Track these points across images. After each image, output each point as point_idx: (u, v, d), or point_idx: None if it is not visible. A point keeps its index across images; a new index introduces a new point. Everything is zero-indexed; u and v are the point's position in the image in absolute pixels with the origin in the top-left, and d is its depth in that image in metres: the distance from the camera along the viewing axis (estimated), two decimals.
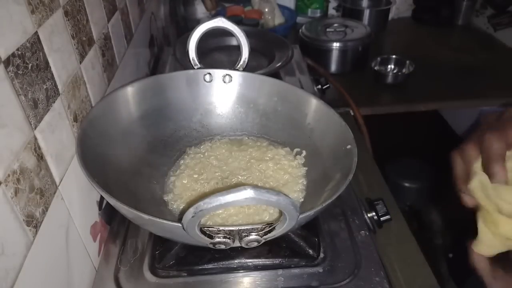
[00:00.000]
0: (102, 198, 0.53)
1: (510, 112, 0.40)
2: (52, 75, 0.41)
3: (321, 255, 0.50)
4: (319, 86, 0.91)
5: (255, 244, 0.38)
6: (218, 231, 0.37)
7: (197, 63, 0.59)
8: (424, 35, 1.48)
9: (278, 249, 0.49)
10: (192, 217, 0.32)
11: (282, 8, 1.38)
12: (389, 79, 1.15)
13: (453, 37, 1.49)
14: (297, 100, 0.58)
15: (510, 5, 1.38)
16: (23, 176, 0.35)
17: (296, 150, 0.58)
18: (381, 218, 0.56)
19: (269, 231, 0.37)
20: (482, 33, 1.48)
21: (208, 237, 0.36)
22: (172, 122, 0.60)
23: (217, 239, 0.37)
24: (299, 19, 1.46)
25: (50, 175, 0.40)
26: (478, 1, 1.51)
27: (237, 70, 0.60)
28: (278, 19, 1.33)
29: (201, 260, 0.48)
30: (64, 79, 0.44)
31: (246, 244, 0.38)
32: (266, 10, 1.30)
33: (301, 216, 0.35)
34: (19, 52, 0.35)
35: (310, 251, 0.50)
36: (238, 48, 0.59)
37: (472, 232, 0.40)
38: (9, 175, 0.33)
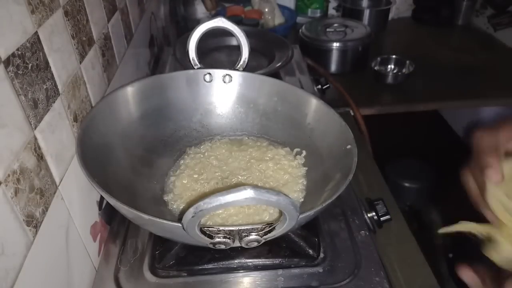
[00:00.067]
0: (102, 198, 0.53)
1: (498, 123, 0.40)
2: (52, 75, 0.41)
3: (321, 255, 0.50)
4: (319, 86, 0.91)
5: (255, 244, 0.38)
6: (218, 231, 0.37)
7: (197, 63, 0.59)
8: (424, 35, 1.48)
9: (278, 249, 0.49)
10: (192, 217, 0.32)
11: (282, 8, 1.38)
12: (389, 79, 1.15)
13: (453, 37, 1.49)
14: (297, 100, 0.58)
15: (510, 5, 1.38)
16: (23, 176, 0.35)
17: (296, 150, 0.58)
18: (381, 218, 0.56)
19: (269, 231, 0.37)
20: (482, 33, 1.48)
21: (208, 237, 0.36)
22: (172, 122, 0.60)
23: (217, 239, 0.37)
24: (299, 19, 1.46)
25: (50, 175, 0.40)
26: (478, 1, 1.51)
27: (237, 70, 0.60)
28: (278, 19, 1.33)
29: (201, 260, 0.48)
30: (64, 79, 0.44)
31: (246, 244, 0.38)
32: (266, 10, 1.30)
33: (301, 216, 0.35)
34: (19, 52, 0.35)
35: (310, 251, 0.50)
36: (238, 48, 0.59)
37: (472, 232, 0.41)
38: (9, 175, 0.33)
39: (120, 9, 0.69)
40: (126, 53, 0.71)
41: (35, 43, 0.38)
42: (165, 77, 0.59)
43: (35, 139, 0.37)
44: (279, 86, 0.60)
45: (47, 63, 0.40)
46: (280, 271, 0.48)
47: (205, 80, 0.60)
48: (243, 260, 0.49)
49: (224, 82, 0.60)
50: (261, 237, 0.37)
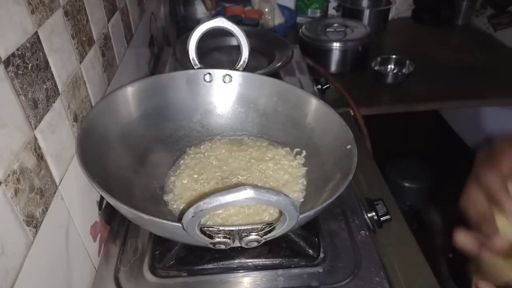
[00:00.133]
0: (102, 198, 0.53)
1: (499, 145, 0.40)
2: (52, 75, 0.41)
3: (321, 255, 0.50)
4: (319, 86, 0.91)
5: (255, 244, 0.38)
6: (218, 231, 0.37)
7: (197, 63, 0.59)
8: (424, 35, 1.48)
9: (278, 249, 0.49)
10: (192, 217, 0.32)
11: (282, 8, 1.38)
12: (389, 79, 1.15)
13: (453, 37, 1.49)
14: (297, 100, 0.58)
15: (510, 5, 1.38)
16: (23, 176, 0.35)
17: (296, 150, 0.58)
18: (381, 218, 0.56)
19: (269, 231, 0.37)
20: (482, 33, 1.48)
21: (208, 237, 0.36)
22: (172, 122, 0.60)
23: (217, 239, 0.37)
24: (299, 19, 1.46)
25: (50, 175, 0.40)
26: (478, 1, 1.51)
27: (237, 70, 0.60)
28: (278, 19, 1.33)
29: (201, 260, 0.48)
30: (64, 79, 0.44)
31: (246, 244, 0.38)
32: (266, 10, 1.30)
33: (301, 216, 0.35)
34: (19, 52, 0.35)
35: (310, 251, 0.50)
36: (238, 48, 0.59)
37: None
38: (9, 175, 0.33)
39: (120, 9, 0.69)
40: (126, 53, 0.71)
41: (35, 43, 0.38)
42: (165, 77, 0.59)
43: (35, 139, 0.37)
44: (279, 86, 0.60)
45: (47, 63, 0.40)
46: (280, 271, 0.48)
47: (205, 80, 0.60)
48: (243, 260, 0.49)
49: (224, 82, 0.60)
50: (261, 237, 0.37)
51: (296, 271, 0.48)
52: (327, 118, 0.55)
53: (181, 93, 0.60)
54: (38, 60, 0.38)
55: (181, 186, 0.53)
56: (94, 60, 0.54)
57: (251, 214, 0.49)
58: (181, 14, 1.32)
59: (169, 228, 0.38)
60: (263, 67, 0.82)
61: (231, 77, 0.60)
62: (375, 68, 1.17)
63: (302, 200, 0.52)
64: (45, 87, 0.39)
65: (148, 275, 0.48)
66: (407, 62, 1.17)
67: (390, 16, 1.51)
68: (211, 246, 0.38)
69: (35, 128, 0.37)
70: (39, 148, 0.38)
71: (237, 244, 0.38)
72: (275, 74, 0.78)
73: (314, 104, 0.57)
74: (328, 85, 0.92)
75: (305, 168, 0.56)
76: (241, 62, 0.60)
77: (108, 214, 0.55)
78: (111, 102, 0.53)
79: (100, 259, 0.51)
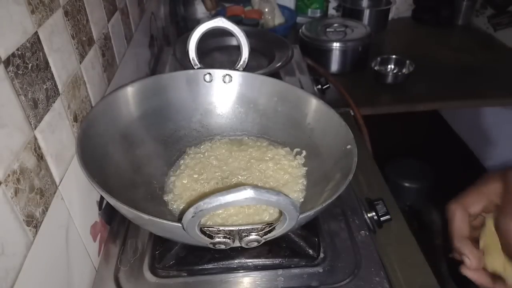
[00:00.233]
0: (102, 198, 0.53)
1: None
2: (52, 75, 0.41)
3: (321, 255, 0.50)
4: (319, 86, 0.91)
5: (255, 244, 0.38)
6: (218, 231, 0.37)
7: (197, 63, 0.59)
8: (424, 35, 1.48)
9: (278, 249, 0.49)
10: (192, 217, 0.32)
11: (282, 8, 1.38)
12: (389, 79, 1.15)
13: (453, 37, 1.49)
14: (297, 100, 0.58)
15: (510, 5, 1.38)
16: (23, 176, 0.35)
17: (296, 150, 0.58)
18: (381, 218, 0.56)
19: (269, 231, 0.37)
20: (482, 33, 1.49)
21: (208, 237, 0.36)
22: (172, 122, 0.60)
23: (217, 239, 0.37)
24: (299, 19, 1.46)
25: (50, 175, 0.40)
26: (478, 1, 1.51)
27: (237, 70, 0.60)
28: (278, 19, 1.33)
29: (201, 260, 0.48)
30: (64, 79, 0.44)
31: (246, 244, 0.38)
32: (266, 10, 1.30)
33: (301, 216, 0.35)
34: (19, 52, 0.35)
35: (310, 251, 0.50)
36: (238, 48, 0.59)
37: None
38: (9, 175, 0.33)
39: (120, 9, 0.69)
40: (126, 53, 0.71)
41: (35, 43, 0.38)
42: (165, 77, 0.59)
43: (35, 139, 0.37)
44: (279, 86, 0.60)
45: (47, 63, 0.40)
46: (280, 271, 0.48)
47: (205, 80, 0.60)
48: (243, 260, 0.49)
49: (224, 82, 0.60)
50: (261, 237, 0.37)
51: (296, 271, 0.48)
52: (327, 118, 0.55)
53: (181, 93, 0.60)
54: (38, 60, 0.38)
55: (181, 186, 0.53)
56: (94, 60, 0.54)
57: (251, 214, 0.49)
58: (181, 14, 1.32)
59: (169, 228, 0.38)
60: (263, 67, 0.82)
61: (231, 77, 0.60)
62: (375, 68, 1.17)
63: (302, 200, 0.52)
64: (45, 87, 0.39)
65: (148, 275, 0.48)
66: (407, 62, 1.17)
67: (390, 16, 1.51)
68: (211, 246, 0.38)
69: (35, 128, 0.37)
70: (39, 148, 0.38)
71: (237, 244, 0.38)
72: (275, 74, 0.78)
73: (314, 104, 0.57)
74: (328, 85, 0.92)
75: (305, 168, 0.56)
76: (241, 62, 0.60)
77: (108, 214, 0.55)
78: (111, 102, 0.53)
79: (100, 259, 0.51)
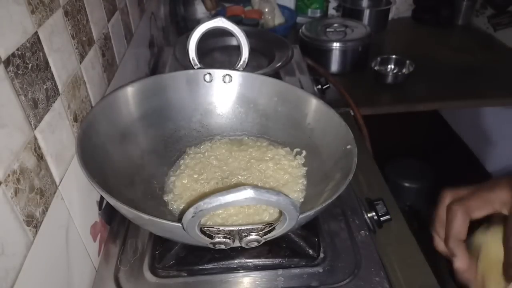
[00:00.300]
0: (102, 198, 0.53)
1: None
2: (52, 75, 0.41)
3: (321, 255, 0.50)
4: (319, 86, 0.91)
5: (255, 244, 0.38)
6: (218, 231, 0.37)
7: (197, 63, 0.59)
8: (424, 35, 1.48)
9: (278, 249, 0.49)
10: (192, 217, 0.32)
11: (282, 8, 1.38)
12: (389, 79, 1.15)
13: (453, 37, 1.49)
14: (297, 100, 0.58)
15: (510, 5, 1.38)
16: (23, 176, 0.35)
17: (296, 150, 0.58)
18: (381, 218, 0.56)
19: (269, 231, 0.37)
20: (482, 33, 1.49)
21: (208, 237, 0.36)
22: (172, 122, 0.60)
23: (217, 239, 0.37)
24: (299, 19, 1.46)
25: (50, 175, 0.40)
26: (478, 1, 1.51)
27: (237, 70, 0.60)
28: (278, 19, 1.33)
29: (201, 260, 0.48)
30: (64, 79, 0.44)
31: (246, 244, 0.38)
32: (266, 10, 1.30)
33: (301, 216, 0.35)
34: (19, 52, 0.35)
35: (310, 251, 0.50)
36: (238, 48, 0.59)
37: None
38: (9, 175, 0.33)
39: (120, 9, 0.69)
40: (126, 53, 0.71)
41: (35, 43, 0.38)
42: (165, 77, 0.59)
43: (35, 139, 0.37)
44: (279, 86, 0.60)
45: (47, 63, 0.40)
46: (280, 271, 0.48)
47: (205, 80, 0.60)
48: (243, 260, 0.49)
49: (224, 82, 0.60)
50: (261, 237, 0.37)
51: (296, 271, 0.48)
52: (327, 118, 0.55)
53: (181, 93, 0.60)
54: (38, 60, 0.38)
55: (181, 186, 0.53)
56: (94, 60, 0.54)
57: (251, 214, 0.49)
58: (181, 14, 1.32)
59: (169, 228, 0.38)
60: (263, 67, 0.82)
61: (231, 77, 0.60)
62: (375, 68, 1.17)
63: (302, 200, 0.52)
64: (45, 87, 0.39)
65: (148, 275, 0.48)
66: (407, 62, 1.17)
67: (390, 16, 1.51)
68: (211, 246, 0.38)
69: (35, 128, 0.37)
70: (39, 148, 0.38)
71: (237, 244, 0.38)
72: (275, 74, 0.78)
73: (314, 104, 0.57)
74: (328, 85, 0.92)
75: (305, 168, 0.56)
76: (241, 62, 0.60)
77: (108, 214, 0.55)
78: (111, 102, 0.53)
79: (100, 259, 0.51)
